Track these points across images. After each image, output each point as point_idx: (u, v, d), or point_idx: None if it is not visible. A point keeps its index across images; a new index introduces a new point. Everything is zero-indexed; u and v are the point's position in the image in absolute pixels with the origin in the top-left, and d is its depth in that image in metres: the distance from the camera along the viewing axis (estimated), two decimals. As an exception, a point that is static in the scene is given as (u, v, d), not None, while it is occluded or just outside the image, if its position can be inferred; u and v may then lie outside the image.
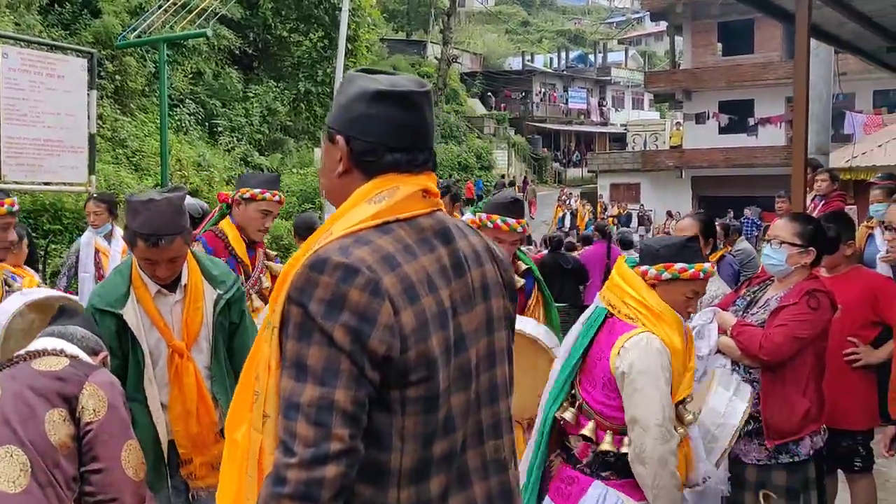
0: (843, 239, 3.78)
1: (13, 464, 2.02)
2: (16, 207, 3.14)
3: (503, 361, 1.68)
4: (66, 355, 2.28)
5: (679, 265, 2.61)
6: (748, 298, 3.42)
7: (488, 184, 32.16)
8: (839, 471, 3.94)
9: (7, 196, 3.11)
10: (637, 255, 2.78)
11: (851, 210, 8.10)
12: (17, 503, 1.98)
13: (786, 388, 3.14)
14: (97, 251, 5.89)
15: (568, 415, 2.66)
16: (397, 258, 1.46)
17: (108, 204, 6.13)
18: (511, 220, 3.31)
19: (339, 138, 1.57)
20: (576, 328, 2.80)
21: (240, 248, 3.93)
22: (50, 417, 2.11)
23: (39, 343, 2.36)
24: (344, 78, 1.65)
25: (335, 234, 1.49)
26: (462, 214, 6.15)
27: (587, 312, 2.79)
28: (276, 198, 3.97)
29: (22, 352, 2.32)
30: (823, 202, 6.72)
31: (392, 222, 1.51)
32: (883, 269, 5.75)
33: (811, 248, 3.23)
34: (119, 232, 5.95)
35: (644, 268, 2.65)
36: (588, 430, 2.59)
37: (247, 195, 3.91)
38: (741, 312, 3.35)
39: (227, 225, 3.98)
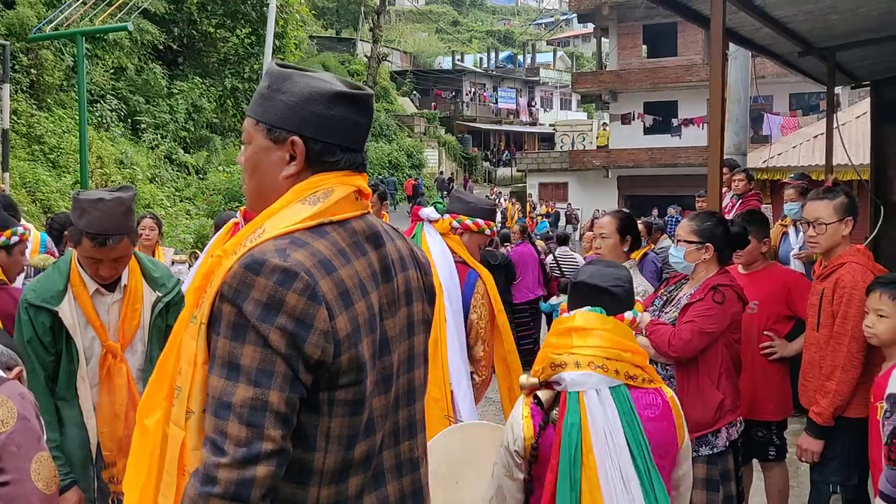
0: (759, 237, 3.92)
1: None
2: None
3: (421, 364, 1.72)
4: None
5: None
6: (664, 298, 3.52)
7: (425, 181, 32.52)
8: (754, 460, 4.08)
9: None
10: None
11: (767, 209, 8.40)
12: None
13: (699, 381, 3.24)
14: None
15: None
16: (333, 263, 1.47)
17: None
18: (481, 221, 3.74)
19: (296, 139, 1.54)
20: (602, 428, 2.06)
21: None
22: None
23: None
24: (272, 73, 1.60)
25: (268, 232, 1.47)
26: (388, 213, 6.09)
27: (604, 412, 2.06)
28: None
29: None
30: (741, 201, 6.94)
31: (326, 224, 1.51)
32: (797, 265, 5.99)
33: (708, 244, 3.34)
34: (27, 231, 5.69)
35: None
36: None
37: None
38: (657, 312, 3.44)
39: None
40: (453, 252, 3.64)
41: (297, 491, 1.47)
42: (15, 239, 3.37)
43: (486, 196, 30.46)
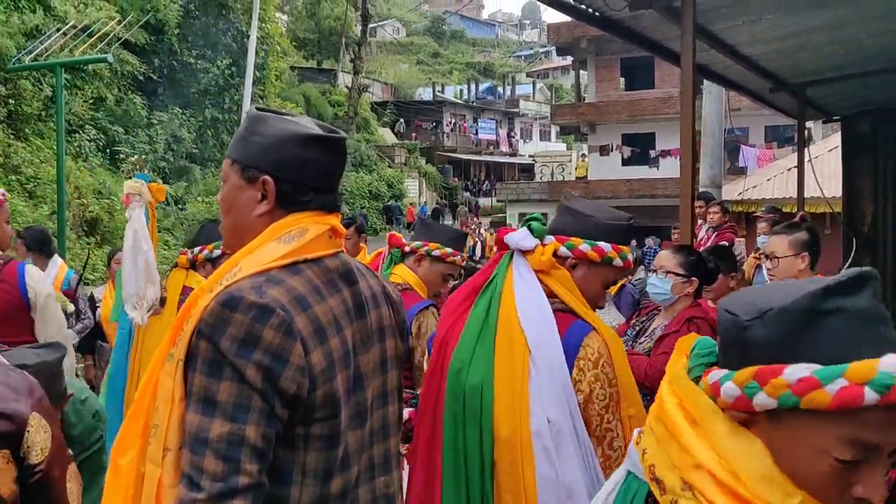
0: (726, 271, 4.00)
1: None
2: None
3: (394, 400, 1.75)
4: None
5: None
6: (637, 328, 3.56)
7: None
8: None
9: None
10: None
11: (741, 242, 8.51)
12: None
13: None
14: None
15: None
16: (308, 299, 1.50)
17: (24, 241, 5.55)
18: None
19: (267, 178, 1.58)
20: None
21: None
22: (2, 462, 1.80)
23: None
24: (250, 116, 1.66)
25: (244, 271, 1.50)
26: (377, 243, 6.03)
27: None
28: None
29: None
30: (716, 234, 7.03)
31: (301, 262, 1.55)
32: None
33: (693, 277, 3.40)
34: (55, 266, 5.53)
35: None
36: None
37: None
38: (631, 342, 3.47)
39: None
40: (551, 296, 2.28)
41: None
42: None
43: (467, 226, 30.68)
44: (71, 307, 5.49)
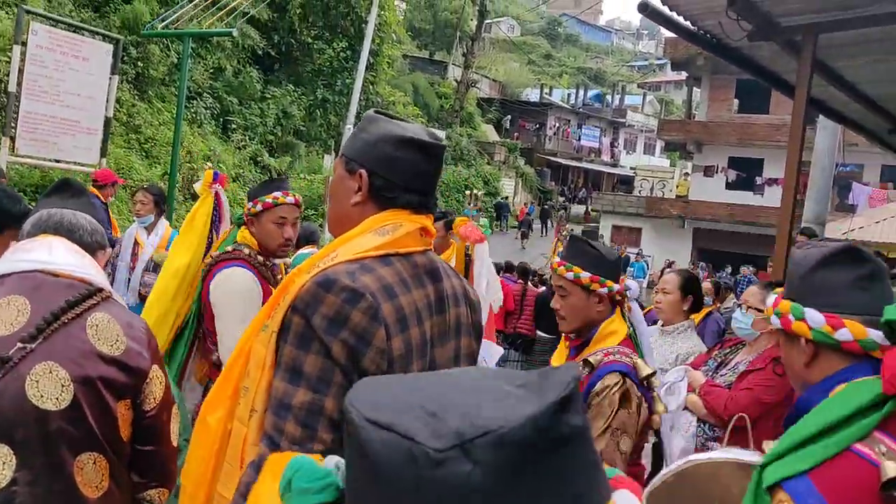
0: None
1: (97, 471, 1.85)
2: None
3: None
4: (96, 289, 1.93)
5: None
6: (719, 360, 3.54)
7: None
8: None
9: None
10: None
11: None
12: None
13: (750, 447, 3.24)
14: (136, 242, 5.85)
15: None
16: (395, 289, 1.62)
17: (155, 196, 6.01)
18: None
19: (363, 172, 1.72)
20: None
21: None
22: (119, 410, 1.88)
23: (51, 253, 1.93)
24: (365, 116, 1.81)
25: (340, 257, 1.64)
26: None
27: None
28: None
29: (32, 267, 1.89)
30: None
31: (392, 255, 1.68)
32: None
33: None
34: (163, 226, 5.93)
35: None
36: None
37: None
38: (711, 373, 3.46)
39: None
40: None
41: None
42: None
43: (557, 231, 30.54)
44: None
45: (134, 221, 6.05)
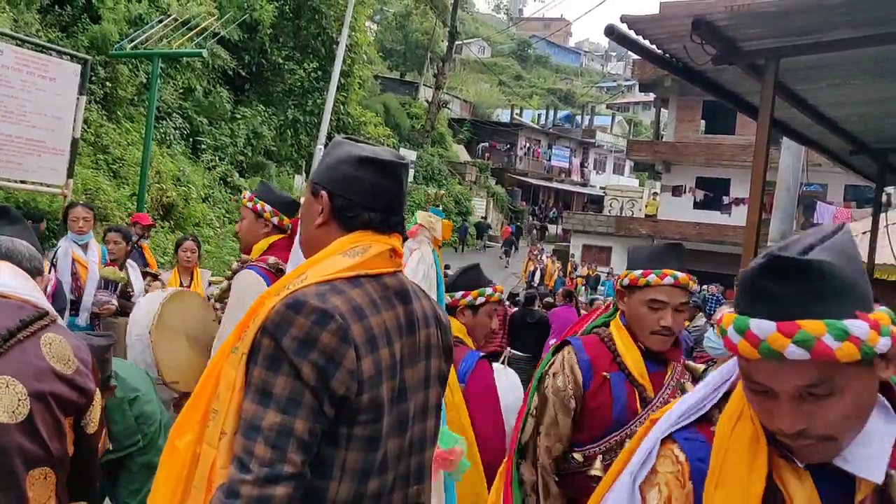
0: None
1: (47, 486, 1.88)
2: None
3: (433, 416, 1.86)
4: (44, 311, 1.99)
5: None
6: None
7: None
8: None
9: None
10: None
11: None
12: None
13: None
14: (74, 261, 5.69)
15: None
16: (365, 311, 1.64)
17: (94, 212, 6.08)
18: None
19: (323, 193, 1.75)
20: None
21: None
22: (65, 428, 1.95)
23: None
24: (333, 142, 1.85)
25: (310, 279, 1.65)
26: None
27: None
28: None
29: None
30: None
31: (362, 276, 1.69)
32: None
33: None
34: (95, 243, 5.91)
35: None
36: None
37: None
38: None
39: None
40: None
41: None
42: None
43: (529, 252, 30.71)
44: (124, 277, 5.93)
45: (63, 238, 5.98)
